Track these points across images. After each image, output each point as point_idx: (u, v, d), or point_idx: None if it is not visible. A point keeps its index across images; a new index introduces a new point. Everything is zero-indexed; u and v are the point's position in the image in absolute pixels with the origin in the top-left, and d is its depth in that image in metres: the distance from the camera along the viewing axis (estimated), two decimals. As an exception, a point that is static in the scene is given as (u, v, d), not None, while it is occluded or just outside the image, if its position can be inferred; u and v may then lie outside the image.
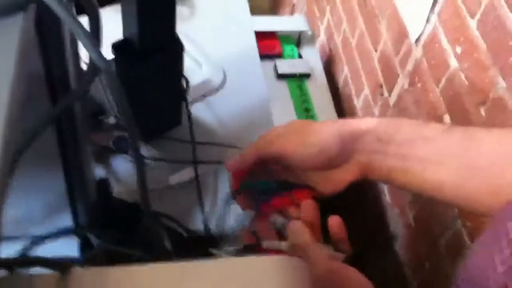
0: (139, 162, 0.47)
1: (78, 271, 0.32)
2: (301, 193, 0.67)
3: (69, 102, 0.50)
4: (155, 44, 0.90)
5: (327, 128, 0.63)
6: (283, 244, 0.63)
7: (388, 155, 0.62)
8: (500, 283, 0.48)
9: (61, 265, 0.31)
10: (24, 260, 0.28)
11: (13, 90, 0.35)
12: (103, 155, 1.03)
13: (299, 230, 0.62)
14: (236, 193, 0.71)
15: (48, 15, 0.45)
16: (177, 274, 0.33)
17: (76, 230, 0.69)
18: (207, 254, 0.94)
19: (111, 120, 1.02)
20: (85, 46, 0.40)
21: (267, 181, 0.71)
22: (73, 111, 0.58)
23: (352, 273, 0.58)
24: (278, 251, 0.63)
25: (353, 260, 0.64)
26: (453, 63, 0.98)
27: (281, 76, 1.45)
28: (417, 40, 1.09)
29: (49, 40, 0.50)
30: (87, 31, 0.39)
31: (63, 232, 0.64)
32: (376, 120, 0.64)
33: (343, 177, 0.65)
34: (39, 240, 0.59)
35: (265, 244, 0.65)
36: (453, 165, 0.60)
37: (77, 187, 0.67)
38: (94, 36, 0.47)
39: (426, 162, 0.61)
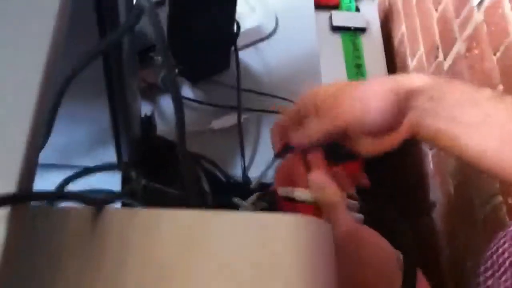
0: (178, 102, 0.47)
1: (111, 210, 0.33)
2: (352, 165, 0.66)
3: (115, 37, 0.50)
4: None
5: (383, 91, 0.62)
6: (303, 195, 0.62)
7: (438, 115, 0.61)
8: None
9: (96, 202, 0.32)
10: (61, 194, 0.29)
11: (57, 22, 0.36)
12: (150, 92, 1.04)
13: (323, 184, 0.61)
14: (279, 156, 0.71)
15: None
16: (197, 222, 0.34)
17: (117, 166, 0.70)
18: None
19: (161, 58, 1.02)
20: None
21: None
22: (121, 46, 0.58)
23: (374, 238, 0.57)
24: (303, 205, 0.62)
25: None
26: (515, 32, 0.94)
27: (335, 28, 1.42)
28: (480, 3, 1.05)
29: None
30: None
31: (106, 167, 0.65)
32: (430, 78, 0.62)
33: (395, 136, 0.64)
34: (82, 173, 0.61)
35: (281, 190, 0.65)
36: (497, 132, 0.58)
37: (122, 121, 0.68)
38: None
39: (472, 127, 0.60)
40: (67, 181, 0.59)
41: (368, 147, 0.65)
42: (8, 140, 0.28)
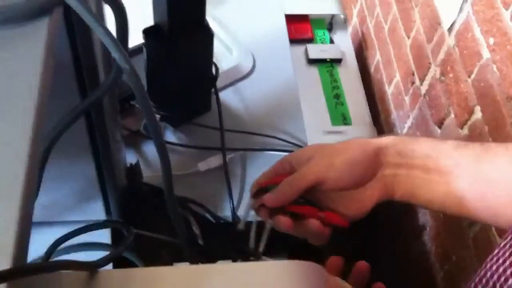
0: (162, 149, 0.48)
1: (105, 272, 0.34)
2: (331, 215, 0.66)
3: (98, 96, 0.51)
4: (184, 30, 0.91)
5: (351, 147, 0.65)
6: None
7: (411, 167, 0.64)
8: None
9: (89, 266, 0.32)
10: (55, 265, 0.29)
11: (42, 84, 0.36)
12: (134, 140, 1.05)
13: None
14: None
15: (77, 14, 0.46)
16: (197, 276, 0.34)
17: (105, 223, 0.71)
18: (234, 241, 0.95)
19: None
20: (109, 47, 0.41)
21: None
22: (102, 102, 0.59)
23: None
24: None
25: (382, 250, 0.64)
26: (486, 54, 0.96)
27: (312, 61, 1.44)
28: (450, 28, 1.08)
29: (78, 34, 0.51)
30: (110, 33, 0.40)
31: (94, 226, 0.65)
32: (394, 136, 0.65)
33: (370, 195, 0.65)
34: (72, 234, 0.61)
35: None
36: (471, 178, 0.61)
37: (107, 173, 0.68)
38: (121, 33, 0.48)
39: (446, 175, 0.62)
40: (58, 243, 0.60)
41: (345, 205, 0.66)
42: (1, 212, 0.28)
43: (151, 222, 0.85)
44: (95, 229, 0.66)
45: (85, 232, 0.63)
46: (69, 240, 0.64)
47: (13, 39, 0.37)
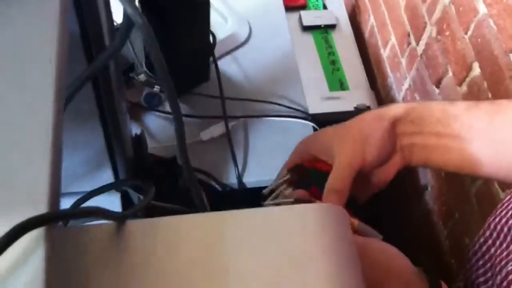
0: (178, 119, 0.48)
1: (132, 222, 0.34)
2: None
3: (106, 58, 0.51)
4: (181, -1, 0.91)
5: (370, 127, 0.64)
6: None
7: (425, 135, 0.64)
8: None
9: (117, 216, 0.33)
10: (83, 211, 0.30)
11: (59, 49, 0.37)
12: (134, 112, 1.05)
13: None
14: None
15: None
16: (219, 222, 0.35)
17: (118, 184, 0.71)
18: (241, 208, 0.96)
19: (141, 77, 1.03)
20: (121, 2, 0.41)
21: None
22: (109, 68, 0.59)
23: (380, 243, 0.58)
24: None
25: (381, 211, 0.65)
26: (482, 9, 0.96)
27: (306, 28, 1.44)
28: (445, -14, 1.08)
29: (83, 3, 0.51)
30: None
31: (107, 187, 0.66)
32: (404, 105, 0.65)
33: (392, 166, 0.66)
34: (86, 197, 0.61)
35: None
36: (485, 139, 0.61)
37: (116, 142, 0.68)
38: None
39: (459, 139, 0.62)
40: (78, 203, 0.60)
41: (372, 181, 0.67)
42: (34, 165, 0.29)
43: (159, 192, 0.85)
44: (112, 189, 0.66)
45: (103, 192, 0.63)
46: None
47: (28, 1, 0.37)
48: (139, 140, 0.83)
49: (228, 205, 0.98)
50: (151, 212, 0.82)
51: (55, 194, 0.28)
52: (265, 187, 0.96)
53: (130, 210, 0.35)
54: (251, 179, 0.98)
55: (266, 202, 0.68)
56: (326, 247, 0.34)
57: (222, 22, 1.18)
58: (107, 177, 0.74)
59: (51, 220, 0.27)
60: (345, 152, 0.64)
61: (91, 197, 0.61)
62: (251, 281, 0.32)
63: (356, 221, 0.60)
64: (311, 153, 0.69)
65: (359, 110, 1.26)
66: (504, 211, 0.58)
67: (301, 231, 0.35)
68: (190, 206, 0.85)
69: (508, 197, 0.58)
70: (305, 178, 0.66)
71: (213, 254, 0.33)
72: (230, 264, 0.33)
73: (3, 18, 0.37)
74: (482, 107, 0.63)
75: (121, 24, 0.49)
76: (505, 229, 0.57)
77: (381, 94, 1.43)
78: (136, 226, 0.34)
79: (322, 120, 1.14)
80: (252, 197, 0.98)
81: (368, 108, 1.27)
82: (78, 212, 0.30)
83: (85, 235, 0.32)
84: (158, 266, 0.33)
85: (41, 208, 0.27)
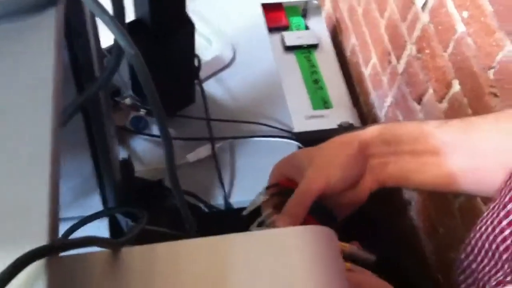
0: (168, 143, 0.49)
1: (127, 249, 0.35)
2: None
3: (98, 87, 0.52)
4: (167, 24, 0.92)
5: (337, 152, 0.65)
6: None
7: (399, 154, 0.65)
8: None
9: (115, 244, 0.33)
10: (84, 241, 0.31)
11: (55, 77, 0.38)
12: (120, 135, 1.05)
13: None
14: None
15: (73, 8, 0.47)
16: (214, 247, 0.36)
17: (111, 210, 0.71)
18: (228, 229, 0.96)
19: (127, 100, 1.04)
20: (114, 34, 0.42)
21: None
22: (99, 96, 0.60)
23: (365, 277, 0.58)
24: None
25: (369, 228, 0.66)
26: (460, 27, 0.99)
27: (289, 48, 1.46)
28: (424, 5, 1.10)
29: (74, 30, 0.52)
30: (116, 21, 0.41)
31: (100, 214, 0.66)
32: (378, 126, 0.66)
33: (363, 189, 0.66)
34: (79, 224, 0.62)
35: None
36: (460, 154, 0.62)
37: (104, 168, 0.69)
38: (119, 20, 0.49)
39: (435, 155, 0.64)
40: (72, 230, 0.60)
41: (343, 203, 0.67)
42: (34, 196, 0.29)
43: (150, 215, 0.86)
44: (105, 216, 0.67)
45: (97, 218, 0.64)
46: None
47: (22, 32, 0.38)
48: (127, 165, 0.84)
49: (215, 226, 0.99)
50: (140, 235, 0.83)
51: (55, 224, 0.29)
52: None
53: (126, 237, 0.36)
54: (238, 199, 0.99)
55: (253, 228, 0.69)
56: (314, 268, 0.35)
57: (206, 45, 1.19)
58: (95, 202, 0.75)
59: (53, 250, 0.28)
60: (308, 176, 0.65)
61: (85, 223, 0.62)
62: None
63: (347, 245, 0.61)
64: (287, 175, 0.70)
65: (342, 128, 1.28)
66: (484, 227, 0.59)
67: (292, 252, 0.36)
68: (177, 228, 0.86)
69: (487, 212, 0.60)
70: (284, 197, 0.67)
71: (209, 278, 0.34)
72: (229, 284, 0.33)
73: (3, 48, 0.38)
74: (453, 124, 0.65)
75: (111, 54, 0.50)
76: (486, 245, 0.58)
77: (364, 111, 1.45)
78: (132, 252, 0.35)
79: (307, 139, 1.15)
80: (239, 218, 0.99)
81: (351, 125, 1.29)
82: (79, 242, 0.30)
83: (83, 264, 0.33)
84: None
85: (41, 238, 0.28)
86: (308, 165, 0.65)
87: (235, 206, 0.98)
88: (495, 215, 0.57)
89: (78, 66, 0.54)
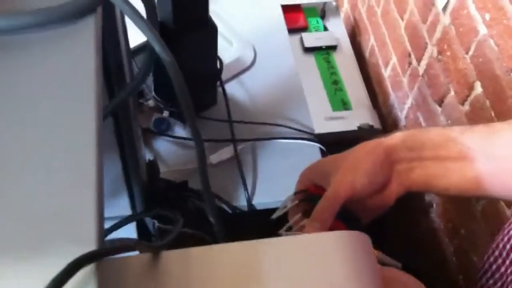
0: (200, 148, 0.49)
1: (166, 253, 0.36)
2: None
3: (128, 93, 0.53)
4: (189, 26, 0.93)
5: (364, 158, 0.66)
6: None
7: (424, 160, 0.66)
8: None
9: (154, 248, 0.34)
10: (128, 246, 0.31)
11: (97, 82, 0.39)
12: (144, 137, 1.06)
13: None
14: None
15: (107, 15, 0.48)
16: (249, 251, 0.36)
17: (145, 213, 0.73)
18: (251, 231, 0.97)
19: (150, 102, 1.05)
20: (151, 41, 0.42)
21: None
22: (128, 100, 0.61)
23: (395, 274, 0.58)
24: None
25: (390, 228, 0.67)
26: (482, 30, 0.99)
27: (307, 50, 1.47)
28: (445, 7, 1.10)
29: (106, 35, 0.53)
30: (152, 27, 0.42)
31: (136, 216, 0.67)
32: (402, 133, 0.67)
33: (389, 194, 0.67)
34: (116, 226, 0.63)
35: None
36: (483, 158, 0.63)
37: (132, 169, 0.70)
38: (153, 26, 0.50)
39: (459, 161, 0.64)
40: (110, 231, 0.62)
41: (370, 209, 0.68)
42: (82, 203, 0.30)
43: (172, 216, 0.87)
44: (139, 218, 0.68)
45: (133, 221, 0.65)
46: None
47: (64, 38, 0.39)
48: (152, 166, 0.85)
49: (238, 228, 1.00)
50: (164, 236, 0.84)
51: (101, 228, 0.30)
52: (274, 208, 0.97)
53: (164, 242, 0.37)
54: (261, 200, 1.00)
55: (282, 232, 0.69)
56: (352, 273, 0.36)
57: (227, 46, 1.20)
58: (124, 203, 0.76)
59: (102, 255, 0.28)
60: (335, 182, 0.65)
61: (122, 226, 0.63)
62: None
63: (375, 251, 0.61)
64: (314, 181, 0.71)
65: (362, 130, 1.28)
66: None
67: (328, 258, 0.36)
68: (200, 229, 0.87)
69: None
70: (312, 203, 0.68)
71: (244, 283, 0.35)
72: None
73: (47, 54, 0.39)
74: (477, 130, 0.65)
75: (143, 59, 0.51)
76: None
77: (383, 113, 1.45)
78: (170, 256, 0.36)
79: (327, 140, 1.15)
80: (262, 219, 1.00)
81: (371, 127, 1.29)
82: (124, 246, 0.31)
83: (125, 267, 0.34)
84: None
85: (90, 243, 0.29)
86: (335, 172, 0.66)
87: (258, 207, 0.99)
88: None
89: (109, 70, 0.55)
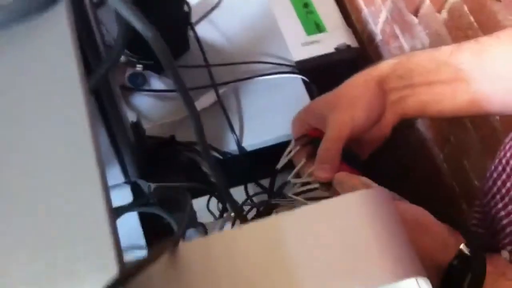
0: (188, 100, 0.47)
1: (184, 245, 0.34)
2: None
3: (107, 68, 0.50)
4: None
5: (356, 92, 0.66)
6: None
7: (416, 86, 0.66)
8: None
9: (170, 245, 0.33)
10: (149, 260, 0.30)
11: (79, 67, 0.37)
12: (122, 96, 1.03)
13: (346, 178, 0.62)
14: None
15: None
16: (272, 229, 0.35)
17: (150, 196, 0.71)
18: (246, 173, 0.96)
19: (122, 58, 1.01)
20: (129, 19, 0.40)
21: None
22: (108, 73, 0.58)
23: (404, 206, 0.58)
24: None
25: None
26: None
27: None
28: None
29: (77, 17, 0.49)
30: (131, 5, 0.39)
31: (140, 201, 0.66)
32: (390, 61, 0.66)
33: (386, 124, 0.68)
34: (124, 209, 0.62)
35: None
36: (476, 77, 0.62)
37: (121, 135, 0.68)
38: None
39: (451, 83, 0.64)
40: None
41: (368, 141, 0.69)
42: (97, 229, 0.29)
43: (165, 173, 0.85)
44: (145, 207, 0.66)
45: (140, 205, 0.63)
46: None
47: (37, 29, 0.38)
48: (137, 127, 0.82)
49: (233, 172, 0.99)
50: (158, 194, 0.82)
51: (120, 251, 0.29)
52: (266, 148, 0.97)
53: (178, 233, 0.35)
54: (250, 142, 0.98)
55: (291, 179, 0.69)
56: (380, 232, 0.35)
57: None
58: (116, 171, 0.73)
59: (127, 278, 0.27)
60: (334, 121, 0.65)
61: (129, 210, 0.62)
62: (320, 273, 0.33)
63: (362, 178, 0.62)
64: (309, 124, 0.70)
65: (340, 51, 1.25)
66: None
67: (354, 220, 0.35)
68: (196, 180, 0.86)
69: None
70: (314, 147, 0.67)
71: (273, 258, 0.34)
72: (294, 264, 0.33)
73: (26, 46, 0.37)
74: (465, 48, 0.64)
75: (117, 34, 0.48)
76: None
77: (358, 30, 1.42)
78: (190, 248, 0.34)
79: (308, 68, 1.13)
80: (254, 160, 0.99)
81: (348, 46, 1.26)
82: (148, 261, 0.29)
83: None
84: (223, 279, 0.33)
85: (111, 267, 0.27)
86: (331, 112, 0.65)
87: (249, 149, 0.98)
88: None
89: (83, 48, 0.52)
